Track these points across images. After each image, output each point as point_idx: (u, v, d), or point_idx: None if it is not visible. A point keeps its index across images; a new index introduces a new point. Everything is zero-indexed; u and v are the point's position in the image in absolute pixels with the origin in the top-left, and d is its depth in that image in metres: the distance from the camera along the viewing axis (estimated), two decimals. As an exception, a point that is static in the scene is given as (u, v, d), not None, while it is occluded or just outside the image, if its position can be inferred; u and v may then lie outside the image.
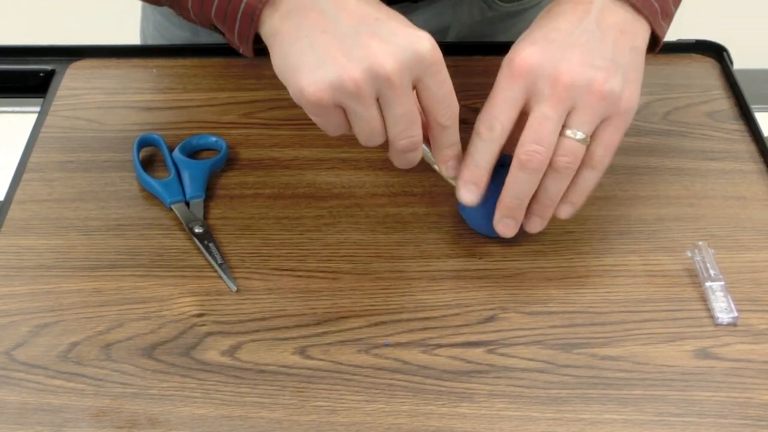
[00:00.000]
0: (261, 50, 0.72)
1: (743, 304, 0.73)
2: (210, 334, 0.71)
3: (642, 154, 0.86)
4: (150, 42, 1.08)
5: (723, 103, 0.91)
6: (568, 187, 0.73)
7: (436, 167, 0.73)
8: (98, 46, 0.96)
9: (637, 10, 0.73)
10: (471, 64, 0.95)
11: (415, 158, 0.71)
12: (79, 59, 0.96)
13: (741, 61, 1.00)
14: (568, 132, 0.70)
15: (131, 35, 1.13)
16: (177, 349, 0.70)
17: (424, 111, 0.69)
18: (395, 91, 0.66)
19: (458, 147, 0.72)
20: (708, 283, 0.74)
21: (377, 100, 0.67)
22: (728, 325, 0.72)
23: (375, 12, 0.67)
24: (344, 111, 0.68)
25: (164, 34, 1.04)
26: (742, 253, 0.77)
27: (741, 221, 0.80)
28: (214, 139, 0.86)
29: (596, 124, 0.71)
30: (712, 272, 0.74)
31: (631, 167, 0.84)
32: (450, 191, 0.82)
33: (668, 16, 0.76)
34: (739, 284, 0.74)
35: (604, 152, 0.72)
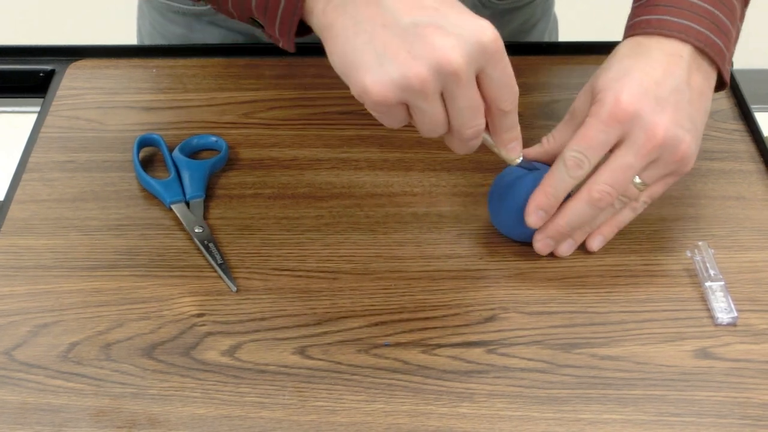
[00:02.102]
0: (303, 48, 0.70)
1: (743, 304, 0.73)
2: (210, 334, 0.71)
3: (642, 154, 0.86)
4: (146, 39, 1.08)
5: (723, 103, 0.91)
6: (605, 222, 0.76)
7: (495, 150, 0.72)
8: (98, 46, 0.96)
9: (714, 63, 0.75)
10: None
11: (476, 144, 0.70)
12: (79, 59, 0.96)
13: (741, 61, 1.00)
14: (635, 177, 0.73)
15: (131, 35, 1.13)
16: (177, 349, 0.70)
17: (485, 99, 0.68)
18: (461, 85, 0.64)
19: (518, 129, 0.71)
20: (708, 283, 0.74)
21: (441, 93, 0.66)
22: (728, 325, 0.72)
23: (432, 1, 0.65)
24: (407, 106, 0.66)
25: (160, 31, 1.04)
26: (742, 253, 0.77)
27: (741, 221, 0.80)
28: (214, 139, 0.86)
29: (660, 178, 0.74)
30: (712, 272, 0.74)
31: (631, 167, 0.84)
32: (450, 192, 0.82)
33: (731, 58, 0.78)
34: (739, 284, 0.74)
35: (647, 200, 0.76)
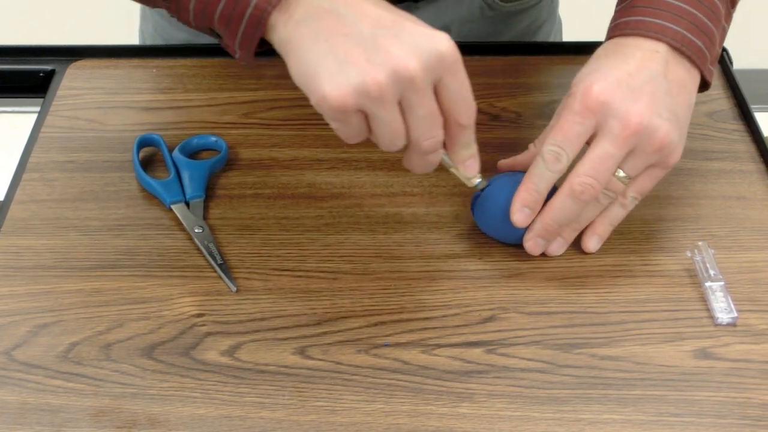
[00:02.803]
0: (260, 55, 0.72)
1: (743, 304, 0.73)
2: (210, 334, 0.71)
3: (642, 154, 0.86)
4: (149, 42, 1.08)
5: (723, 103, 0.91)
6: (596, 220, 0.76)
7: (452, 169, 0.73)
8: (98, 46, 0.96)
9: (693, 63, 0.75)
10: (471, 64, 0.94)
11: (435, 161, 0.71)
12: (79, 59, 0.96)
13: (741, 61, 1.00)
14: (616, 172, 0.73)
15: (131, 35, 1.13)
16: (177, 350, 0.70)
17: (443, 111, 0.69)
18: (418, 93, 0.66)
19: (475, 147, 0.72)
20: (708, 283, 0.74)
21: (399, 103, 0.67)
22: (728, 325, 0.72)
23: (392, 15, 0.67)
24: (366, 116, 0.67)
25: (163, 35, 1.04)
26: (742, 253, 0.77)
27: (741, 221, 0.80)
28: (214, 139, 0.86)
29: (643, 169, 0.74)
30: (711, 272, 0.74)
31: (631, 167, 0.84)
32: (450, 192, 0.82)
33: (716, 59, 0.79)
34: (739, 284, 0.74)
35: (636, 195, 0.75)
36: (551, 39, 1.10)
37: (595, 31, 1.05)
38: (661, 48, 0.74)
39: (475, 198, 0.77)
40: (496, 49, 0.97)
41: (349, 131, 0.68)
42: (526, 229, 0.75)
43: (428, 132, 0.68)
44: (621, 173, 0.73)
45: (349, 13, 0.66)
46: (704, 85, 0.78)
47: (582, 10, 1.62)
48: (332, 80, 0.65)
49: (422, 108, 0.67)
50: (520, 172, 0.75)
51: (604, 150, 0.72)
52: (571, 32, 1.16)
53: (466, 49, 0.96)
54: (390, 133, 0.68)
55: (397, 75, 0.65)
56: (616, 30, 0.76)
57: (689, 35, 0.75)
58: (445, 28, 0.99)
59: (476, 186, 0.74)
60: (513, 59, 0.96)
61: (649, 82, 0.73)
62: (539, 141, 0.77)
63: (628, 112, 0.71)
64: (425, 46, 0.65)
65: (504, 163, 0.80)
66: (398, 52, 0.65)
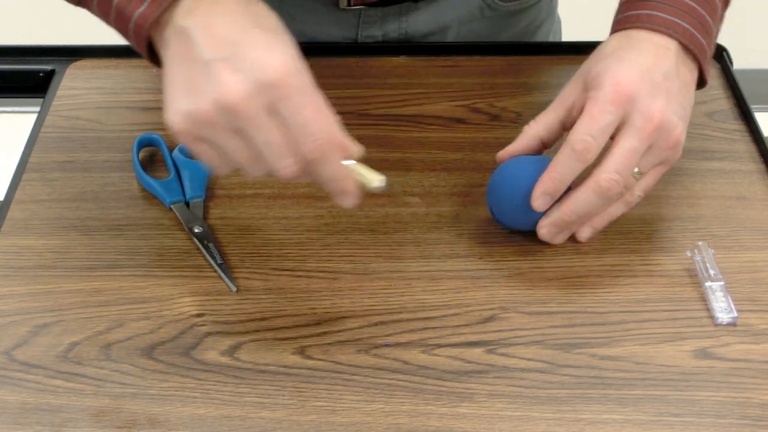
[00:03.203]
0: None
1: (743, 304, 0.73)
2: (210, 334, 0.71)
3: (642, 154, 0.86)
4: None
5: (723, 103, 0.91)
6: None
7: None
8: (98, 46, 0.96)
9: (696, 60, 0.76)
10: (471, 63, 0.95)
11: (339, 189, 0.67)
12: (79, 59, 0.96)
13: (741, 61, 1.00)
14: None
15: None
16: (177, 349, 0.70)
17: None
18: (247, 121, 0.63)
19: (342, 181, 0.67)
20: (708, 283, 0.74)
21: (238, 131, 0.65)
22: (728, 325, 0.72)
23: (238, 35, 0.65)
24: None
25: None
26: (742, 253, 0.77)
27: (741, 221, 0.80)
28: (214, 139, 0.86)
29: (653, 166, 0.74)
30: (711, 272, 0.74)
31: (631, 167, 0.84)
32: (450, 192, 0.82)
33: (712, 53, 0.79)
34: (739, 284, 0.74)
35: (640, 194, 0.76)
36: (550, 38, 1.10)
37: (595, 31, 1.05)
38: (672, 45, 0.74)
39: (494, 182, 0.77)
40: (496, 49, 0.97)
41: (204, 157, 0.67)
42: (540, 215, 0.75)
43: (276, 161, 0.65)
44: (636, 170, 0.73)
45: (198, 35, 0.65)
46: (701, 83, 0.78)
47: (581, 9, 1.62)
48: (171, 107, 0.65)
49: (259, 136, 0.64)
50: (535, 156, 0.76)
51: (631, 145, 0.72)
52: (570, 32, 1.16)
53: (467, 49, 0.97)
54: (239, 161, 0.66)
55: (221, 104, 0.63)
56: (626, 22, 0.76)
57: (696, 33, 0.75)
58: (444, 27, 0.99)
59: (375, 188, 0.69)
60: (513, 59, 0.96)
61: (666, 79, 0.73)
62: (536, 122, 0.77)
63: (650, 108, 0.71)
64: (253, 72, 0.63)
65: (502, 154, 0.79)
66: (226, 80, 0.63)
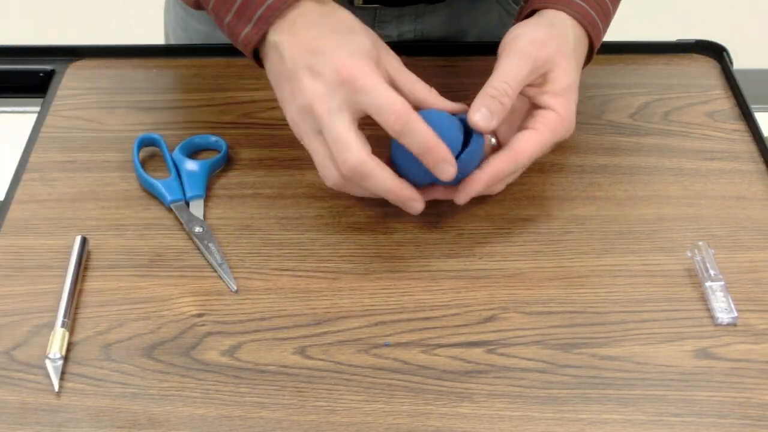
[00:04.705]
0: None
1: (743, 304, 0.73)
2: (210, 334, 0.71)
3: (642, 154, 0.86)
4: (171, 36, 1.08)
5: (723, 103, 0.91)
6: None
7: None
8: (98, 46, 0.96)
9: (589, 35, 0.80)
10: (473, 63, 0.95)
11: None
12: (79, 59, 0.96)
13: (741, 61, 1.00)
14: None
15: (131, 35, 1.13)
16: (177, 349, 0.70)
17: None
18: (321, 121, 0.73)
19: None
20: (708, 283, 0.74)
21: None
22: (728, 325, 0.72)
23: (317, 43, 0.74)
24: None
25: (183, 27, 1.04)
26: (742, 253, 0.77)
27: (741, 221, 0.80)
28: (214, 139, 0.86)
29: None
30: (712, 272, 0.74)
31: (631, 167, 0.84)
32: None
33: (603, 35, 0.83)
34: (739, 284, 0.74)
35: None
36: None
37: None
38: (573, 24, 0.79)
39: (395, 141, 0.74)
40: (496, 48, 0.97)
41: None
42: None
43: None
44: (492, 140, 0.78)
45: (284, 49, 0.75)
46: (589, 56, 0.82)
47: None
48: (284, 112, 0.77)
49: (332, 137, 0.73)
50: (446, 114, 0.75)
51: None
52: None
53: (467, 49, 0.97)
54: (317, 161, 0.76)
55: (303, 107, 0.74)
56: (538, 2, 0.80)
57: (593, 14, 0.80)
58: (461, 32, 1.00)
59: None
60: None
61: (575, 50, 0.78)
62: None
63: (557, 67, 0.76)
64: (329, 75, 0.73)
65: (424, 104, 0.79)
66: (306, 85, 0.73)
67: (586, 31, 0.80)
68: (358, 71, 0.72)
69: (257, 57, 0.78)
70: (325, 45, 0.73)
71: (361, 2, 0.95)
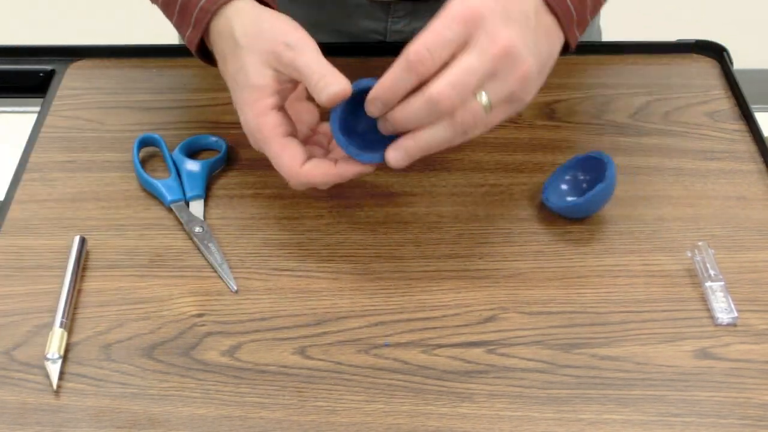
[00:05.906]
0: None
1: (743, 304, 0.73)
2: (210, 334, 0.71)
3: (642, 154, 0.86)
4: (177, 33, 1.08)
5: (723, 103, 0.91)
6: (417, 133, 0.71)
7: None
8: (98, 46, 0.96)
9: (559, 21, 0.74)
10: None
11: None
12: (79, 59, 0.96)
13: (741, 61, 1.00)
14: (479, 95, 0.69)
15: (131, 35, 1.13)
16: (177, 350, 0.70)
17: None
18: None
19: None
20: (708, 283, 0.74)
21: None
22: (728, 325, 0.72)
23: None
24: None
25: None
26: (742, 253, 0.77)
27: (741, 221, 0.80)
28: (214, 139, 0.86)
29: (503, 99, 0.70)
30: (712, 272, 0.74)
31: (631, 167, 0.84)
32: (450, 192, 0.82)
33: (583, 24, 0.77)
34: (739, 284, 0.74)
35: (484, 129, 0.71)
36: None
37: (606, 33, 1.05)
38: (538, 3, 0.73)
39: (334, 117, 0.72)
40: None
41: None
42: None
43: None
44: (484, 98, 0.69)
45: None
46: (566, 48, 0.76)
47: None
48: None
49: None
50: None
51: (469, 63, 0.68)
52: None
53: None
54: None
55: None
56: None
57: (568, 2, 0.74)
58: None
59: None
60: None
61: (521, 15, 0.70)
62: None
63: (498, 31, 0.68)
64: None
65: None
66: None
67: (556, 16, 0.74)
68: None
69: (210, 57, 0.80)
70: (229, 75, 0.76)
71: None
